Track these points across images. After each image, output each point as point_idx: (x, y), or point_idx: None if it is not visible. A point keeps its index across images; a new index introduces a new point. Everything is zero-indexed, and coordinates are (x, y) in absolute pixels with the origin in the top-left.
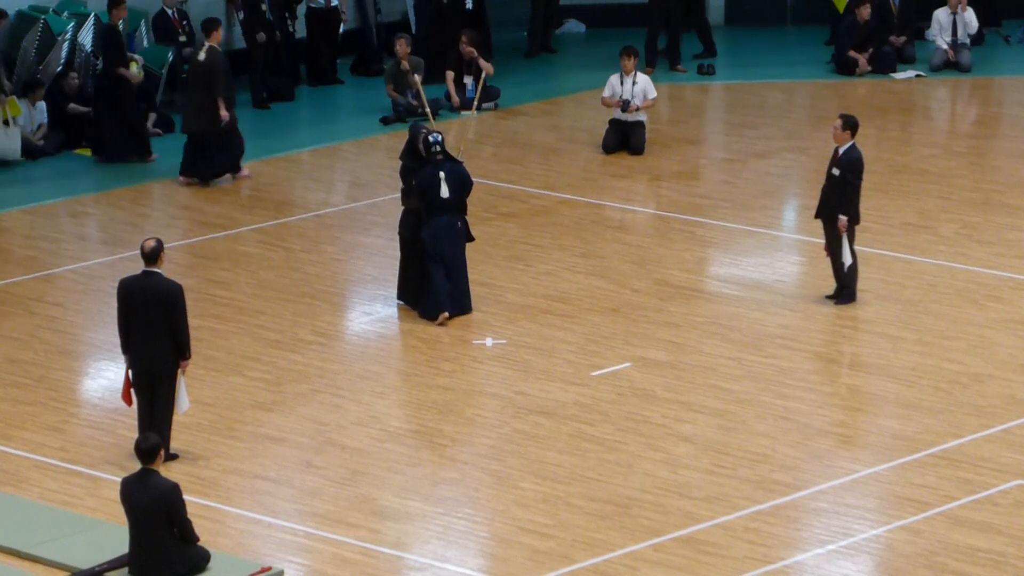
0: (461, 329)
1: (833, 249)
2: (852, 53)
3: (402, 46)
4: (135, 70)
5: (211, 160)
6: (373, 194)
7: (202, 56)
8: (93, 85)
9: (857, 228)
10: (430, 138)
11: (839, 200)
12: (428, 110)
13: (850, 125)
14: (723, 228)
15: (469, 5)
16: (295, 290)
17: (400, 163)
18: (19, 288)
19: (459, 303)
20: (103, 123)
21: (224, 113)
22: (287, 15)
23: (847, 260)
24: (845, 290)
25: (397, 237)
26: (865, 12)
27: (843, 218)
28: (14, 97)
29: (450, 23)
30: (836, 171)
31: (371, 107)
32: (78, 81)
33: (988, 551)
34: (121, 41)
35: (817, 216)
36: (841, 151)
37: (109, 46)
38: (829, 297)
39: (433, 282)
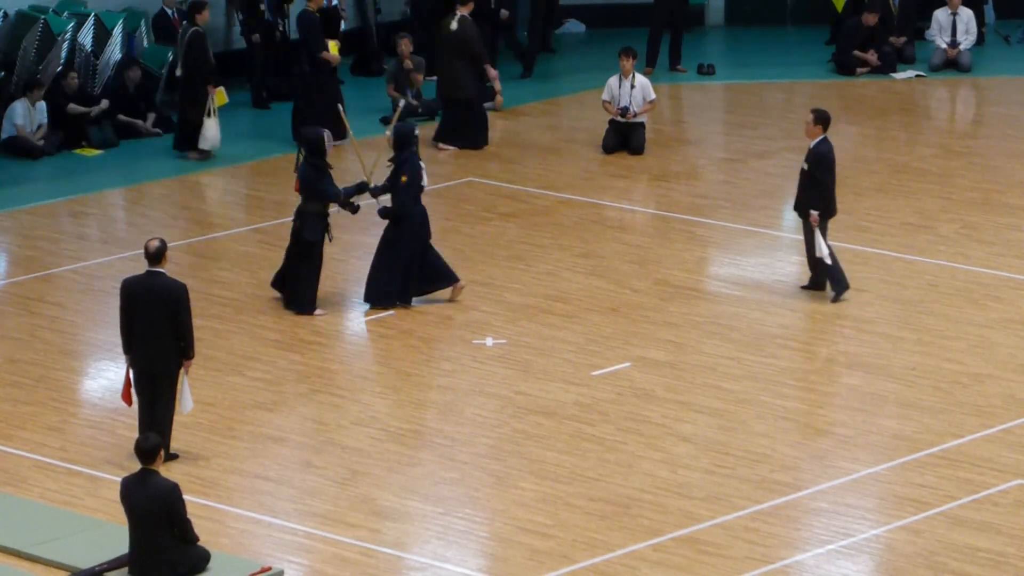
0: (461, 329)
1: (807, 242)
2: (858, 53)
3: (405, 45)
4: (335, 52)
5: (466, 128)
6: None
7: (454, 25)
8: (297, 73)
9: (856, 228)
10: (416, 132)
11: (809, 195)
12: (364, 165)
13: (821, 120)
14: (723, 228)
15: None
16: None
17: (393, 158)
18: (19, 288)
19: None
20: (305, 110)
21: (493, 72)
22: (285, 15)
23: (821, 253)
24: (831, 282)
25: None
26: (872, 18)
27: (814, 212)
28: (222, 89)
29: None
30: (805, 166)
31: (371, 107)
32: (78, 81)
33: (988, 551)
34: (320, 27)
35: (795, 209)
36: (812, 145)
37: (311, 33)
38: (804, 287)
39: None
